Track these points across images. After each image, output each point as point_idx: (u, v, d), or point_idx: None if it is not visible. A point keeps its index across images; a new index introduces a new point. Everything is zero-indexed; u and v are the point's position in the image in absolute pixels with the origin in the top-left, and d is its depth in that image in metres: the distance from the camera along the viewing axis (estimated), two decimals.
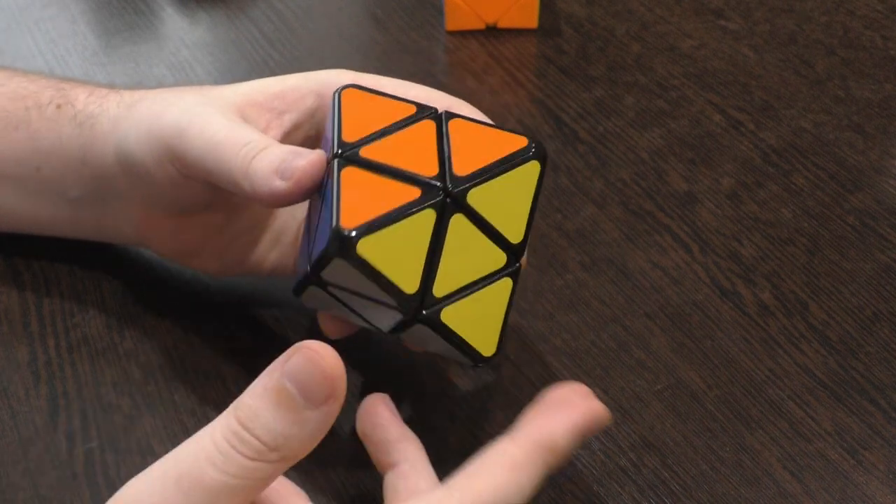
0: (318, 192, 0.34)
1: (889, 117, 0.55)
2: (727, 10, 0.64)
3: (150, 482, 0.26)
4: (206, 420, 0.40)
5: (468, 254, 0.33)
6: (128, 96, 0.41)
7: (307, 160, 0.33)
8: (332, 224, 0.31)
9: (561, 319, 0.44)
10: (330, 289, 0.34)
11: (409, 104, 0.34)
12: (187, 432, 0.39)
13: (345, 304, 0.35)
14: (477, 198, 0.32)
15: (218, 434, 0.26)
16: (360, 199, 0.31)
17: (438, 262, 0.32)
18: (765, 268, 0.47)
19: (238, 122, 0.36)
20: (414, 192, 0.32)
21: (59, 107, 0.42)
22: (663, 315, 0.44)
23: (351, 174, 0.32)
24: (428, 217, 0.31)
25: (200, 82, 0.58)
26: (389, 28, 0.63)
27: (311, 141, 0.40)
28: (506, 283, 0.34)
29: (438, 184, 0.32)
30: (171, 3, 0.65)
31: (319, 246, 0.32)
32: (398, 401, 0.40)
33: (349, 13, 0.64)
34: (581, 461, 0.39)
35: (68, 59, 0.60)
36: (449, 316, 0.33)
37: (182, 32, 0.62)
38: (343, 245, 0.30)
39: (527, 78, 0.58)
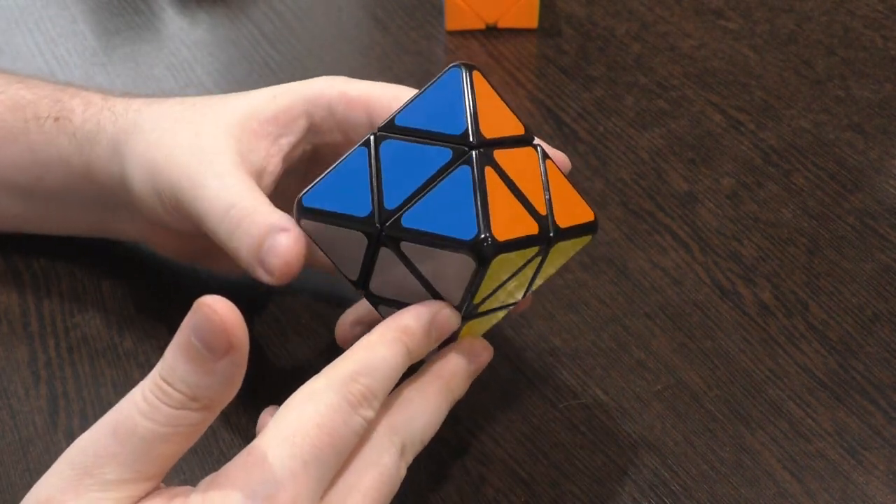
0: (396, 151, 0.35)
1: (889, 117, 0.55)
2: (727, 9, 0.64)
3: (91, 435, 0.29)
4: None
5: (511, 286, 0.35)
6: (121, 112, 0.41)
7: (282, 260, 0.34)
8: (478, 225, 0.31)
9: (561, 319, 0.44)
10: (386, 247, 0.33)
11: (518, 121, 0.35)
12: None
13: (367, 261, 0.35)
14: (553, 249, 0.34)
15: (146, 388, 0.29)
16: (500, 209, 0.32)
17: (500, 289, 0.34)
18: (765, 268, 0.46)
19: (228, 175, 0.37)
20: (533, 227, 0.33)
21: (56, 120, 0.42)
22: (663, 315, 0.44)
23: (492, 177, 0.33)
24: (531, 254, 0.33)
25: (200, 82, 0.58)
26: (389, 28, 0.63)
27: (308, 154, 0.40)
28: (497, 315, 0.37)
29: (550, 230, 0.34)
30: (171, 3, 0.65)
31: (438, 227, 0.32)
32: None
33: (349, 13, 0.64)
34: (581, 461, 0.39)
35: (68, 59, 0.60)
36: (469, 327, 0.36)
37: (182, 32, 0.62)
38: (487, 254, 0.31)
39: (527, 78, 0.58)
